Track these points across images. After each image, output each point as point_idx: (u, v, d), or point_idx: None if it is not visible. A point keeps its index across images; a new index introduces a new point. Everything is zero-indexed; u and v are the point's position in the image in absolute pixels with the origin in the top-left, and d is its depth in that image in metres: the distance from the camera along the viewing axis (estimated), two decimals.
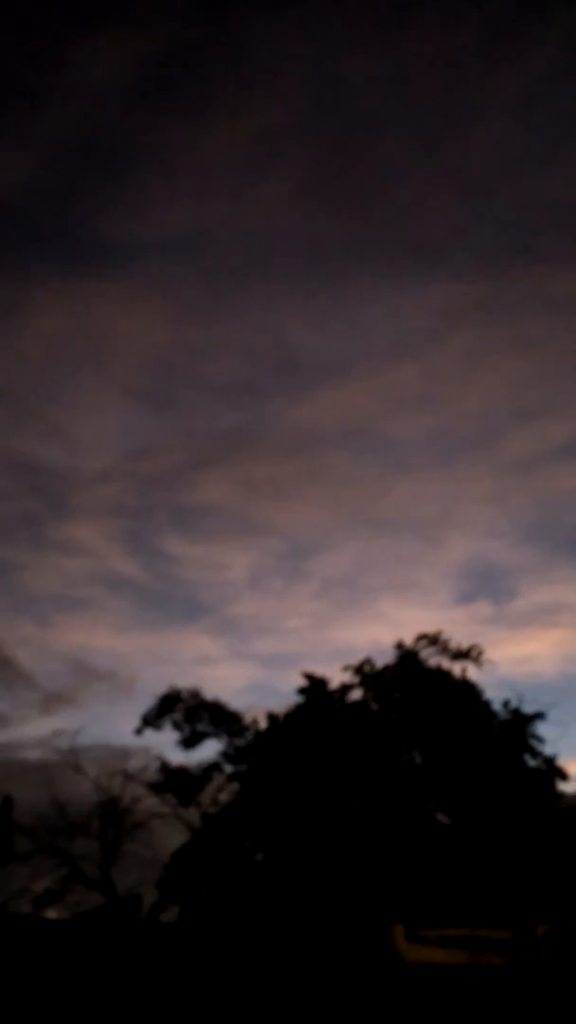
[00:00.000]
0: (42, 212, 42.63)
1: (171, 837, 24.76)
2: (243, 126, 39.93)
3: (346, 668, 24.80)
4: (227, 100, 39.24)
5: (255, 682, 44.86)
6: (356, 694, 24.60)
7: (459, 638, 24.85)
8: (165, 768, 25.19)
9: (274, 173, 41.41)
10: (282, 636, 44.00)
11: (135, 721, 25.29)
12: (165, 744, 25.35)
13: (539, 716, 23.14)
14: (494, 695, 23.96)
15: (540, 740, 23.03)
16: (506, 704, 23.60)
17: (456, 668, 24.28)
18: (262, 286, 45.01)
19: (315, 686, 24.80)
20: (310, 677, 25.00)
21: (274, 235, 43.10)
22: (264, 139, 40.61)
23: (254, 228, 43.58)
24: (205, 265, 44.29)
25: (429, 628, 24.93)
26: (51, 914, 23.88)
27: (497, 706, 23.79)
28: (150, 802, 25.13)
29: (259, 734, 24.78)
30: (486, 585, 48.53)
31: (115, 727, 42.88)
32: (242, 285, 44.91)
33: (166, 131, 40.52)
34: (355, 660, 24.86)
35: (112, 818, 24.08)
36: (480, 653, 24.25)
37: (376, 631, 56.85)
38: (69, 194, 42.63)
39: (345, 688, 24.70)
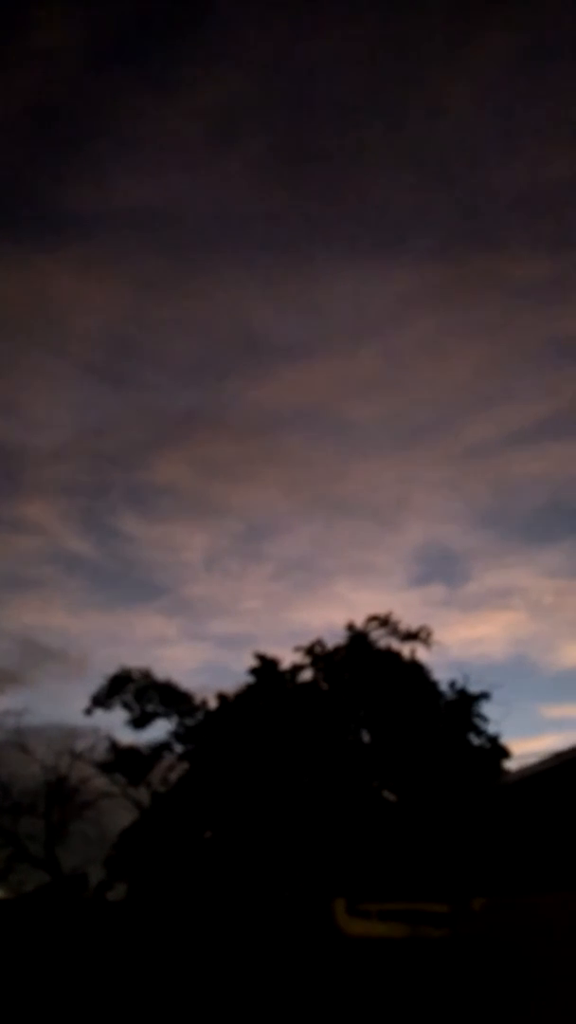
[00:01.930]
0: None
1: (120, 816, 24.80)
2: (206, 99, 39.16)
3: (297, 649, 24.98)
4: (190, 72, 38.42)
5: (209, 663, 44.82)
6: (307, 675, 24.81)
7: (413, 620, 25.23)
8: (115, 748, 25.14)
9: (236, 149, 40.79)
10: (237, 617, 43.97)
11: (86, 701, 25.16)
12: (115, 724, 25.29)
13: (484, 696, 23.63)
14: (445, 676, 24.40)
15: (485, 719, 23.55)
16: (452, 684, 24.04)
17: (405, 649, 24.64)
18: (223, 264, 44.42)
19: (266, 667, 24.91)
20: (261, 658, 25.10)
21: (236, 212, 42.52)
22: (227, 114, 39.93)
23: (215, 204, 42.95)
24: (165, 240, 43.48)
25: (383, 610, 25.19)
26: None
27: (444, 687, 24.25)
28: (99, 782, 25.15)
29: (209, 714, 24.83)
30: (440, 568, 49.12)
31: (66, 707, 42.53)
32: (202, 262, 44.24)
33: (127, 101, 39.56)
34: (309, 642, 25.07)
35: (59, 797, 23.99)
36: (429, 634, 24.64)
37: (331, 613, 57.23)
38: (24, 162, 41.40)
39: (296, 669, 24.86)
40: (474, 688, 23.87)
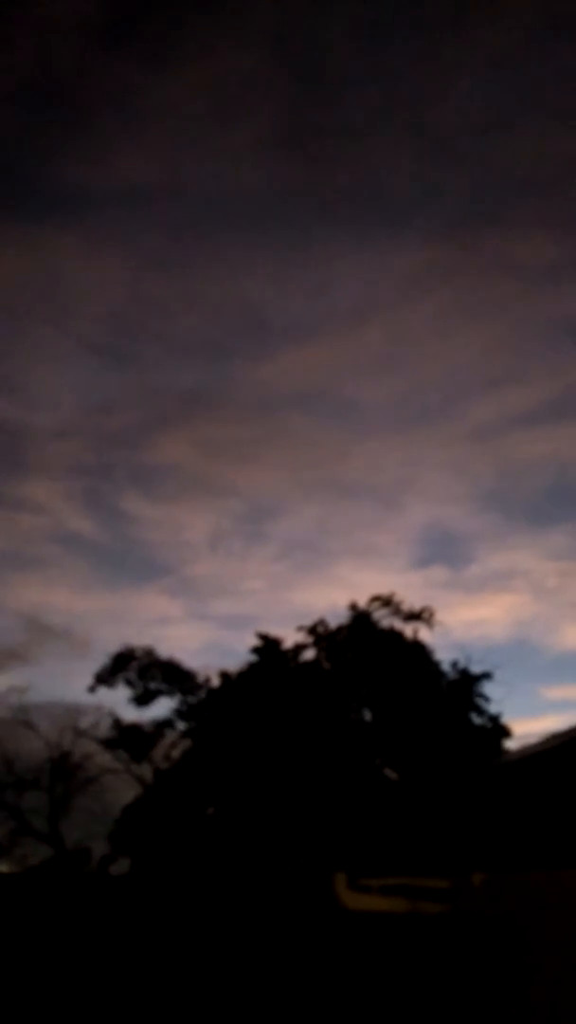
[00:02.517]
0: None
1: (123, 793, 25.04)
2: (211, 75, 38.58)
3: (300, 628, 25.09)
4: (195, 47, 37.85)
5: (212, 643, 44.98)
6: (309, 654, 24.92)
7: (416, 602, 25.27)
8: (118, 725, 25.36)
9: (241, 125, 40.24)
10: (240, 597, 44.05)
11: (89, 679, 25.34)
12: (118, 702, 25.50)
13: (486, 676, 23.75)
14: (447, 657, 24.53)
15: (486, 699, 23.70)
16: (455, 664, 24.14)
17: (408, 629, 24.74)
18: (227, 242, 44.03)
19: (269, 646, 25.01)
20: (264, 637, 25.20)
21: (241, 190, 42.03)
22: (232, 90, 39.37)
23: (220, 181, 42.47)
24: (168, 217, 43.09)
25: (386, 591, 25.27)
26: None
27: (447, 667, 24.35)
28: (102, 758, 25.36)
29: (212, 692, 24.99)
30: (443, 550, 49.08)
31: (69, 685, 42.75)
32: (207, 240, 43.82)
33: (130, 75, 38.96)
34: (311, 622, 25.16)
35: (62, 773, 24.21)
36: (432, 615, 24.71)
37: (334, 594, 57.30)
38: (27, 138, 40.89)
39: (298, 648, 24.97)
40: (476, 669, 24.02)
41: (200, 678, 25.43)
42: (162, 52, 38.21)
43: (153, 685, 25.37)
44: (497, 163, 41.25)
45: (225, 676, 25.05)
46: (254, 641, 25.16)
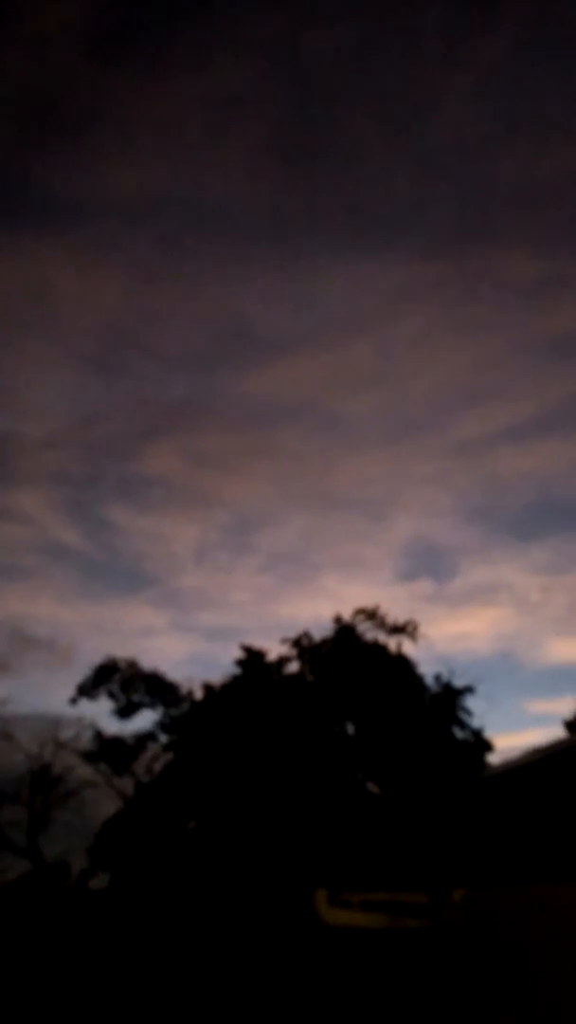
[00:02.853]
0: None
1: (103, 806, 24.82)
2: (202, 89, 38.86)
3: (284, 641, 25.05)
4: (188, 62, 38.12)
5: (197, 655, 44.79)
6: (293, 666, 24.88)
7: (400, 615, 25.33)
8: (100, 737, 25.15)
9: (232, 140, 40.50)
10: (226, 609, 43.87)
11: (72, 691, 25.14)
12: (100, 714, 25.31)
13: (468, 690, 23.80)
14: (431, 671, 24.55)
15: (469, 713, 23.74)
16: (438, 678, 24.17)
17: (392, 643, 24.76)
18: (217, 255, 44.17)
19: (252, 658, 24.95)
20: (248, 649, 25.13)
21: (230, 203, 42.25)
22: (224, 104, 39.61)
23: (210, 195, 42.65)
24: (159, 230, 43.17)
25: (370, 604, 25.30)
26: None
27: (430, 680, 24.38)
28: (83, 771, 25.16)
29: (195, 704, 24.86)
30: (428, 564, 49.17)
31: (51, 696, 42.47)
32: (196, 253, 43.94)
33: (122, 88, 39.15)
34: (296, 634, 25.13)
35: (42, 786, 23.98)
36: (415, 628, 24.75)
37: (319, 606, 57.20)
38: (17, 149, 40.99)
39: (282, 660, 24.92)
40: (459, 682, 24.06)
41: (183, 690, 25.33)
42: (155, 66, 38.49)
43: (136, 697, 25.21)
44: (485, 179, 41.70)
45: (208, 688, 24.95)
46: (238, 653, 25.11)
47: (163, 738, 24.93)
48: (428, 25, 37.18)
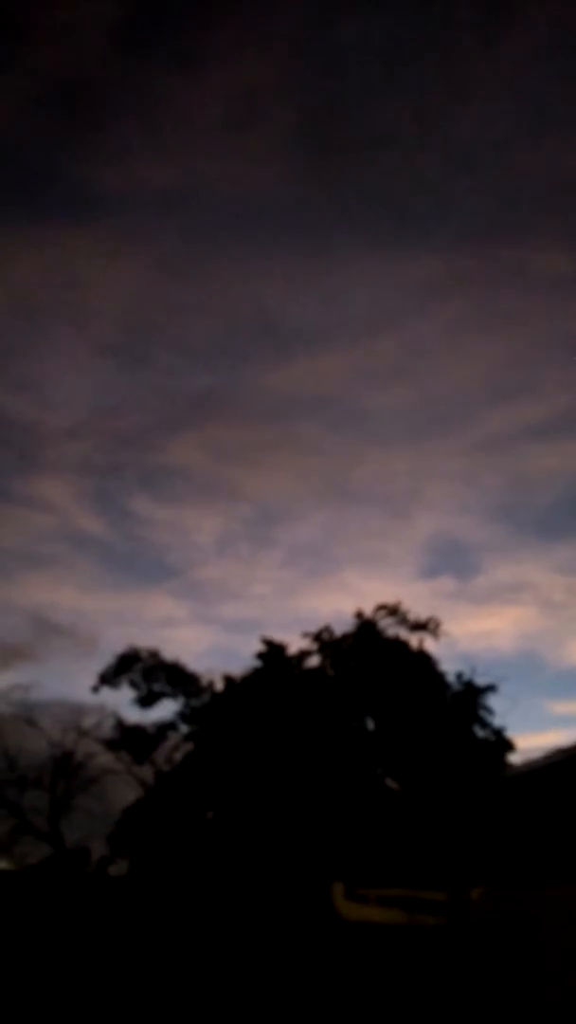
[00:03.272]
0: (18, 157, 41.26)
1: (124, 793, 25.06)
2: (231, 82, 38.84)
3: (305, 635, 25.03)
4: (216, 55, 38.10)
5: (217, 646, 45.03)
6: (314, 661, 24.86)
7: (422, 612, 25.17)
8: (121, 726, 25.36)
9: (261, 132, 40.46)
10: (246, 602, 44.05)
11: (94, 679, 25.36)
12: (122, 702, 25.50)
13: (490, 688, 23.61)
14: (453, 669, 24.38)
15: (490, 712, 23.54)
16: (459, 676, 24.02)
17: (413, 639, 24.63)
18: (243, 247, 44.22)
19: (273, 651, 24.97)
20: (269, 643, 25.16)
21: (257, 196, 42.23)
22: (252, 97, 39.58)
23: (238, 187, 42.65)
24: (185, 222, 43.30)
25: (392, 600, 25.18)
26: None
27: (451, 678, 24.24)
28: (104, 759, 25.40)
29: (215, 696, 24.96)
30: (451, 561, 48.93)
31: (74, 684, 42.89)
32: (223, 246, 44.03)
33: (151, 82, 39.28)
34: (317, 628, 25.10)
35: (64, 772, 24.24)
36: (438, 625, 24.59)
37: (340, 601, 57.29)
38: (48, 140, 41.26)
39: (303, 654, 24.92)
40: (481, 681, 23.87)
41: (204, 681, 25.43)
42: (183, 59, 38.51)
43: (157, 687, 25.36)
44: (513, 175, 41.29)
45: (229, 680, 25.03)
46: (259, 646, 25.15)
47: (183, 728, 25.08)
48: (459, 19, 36.78)
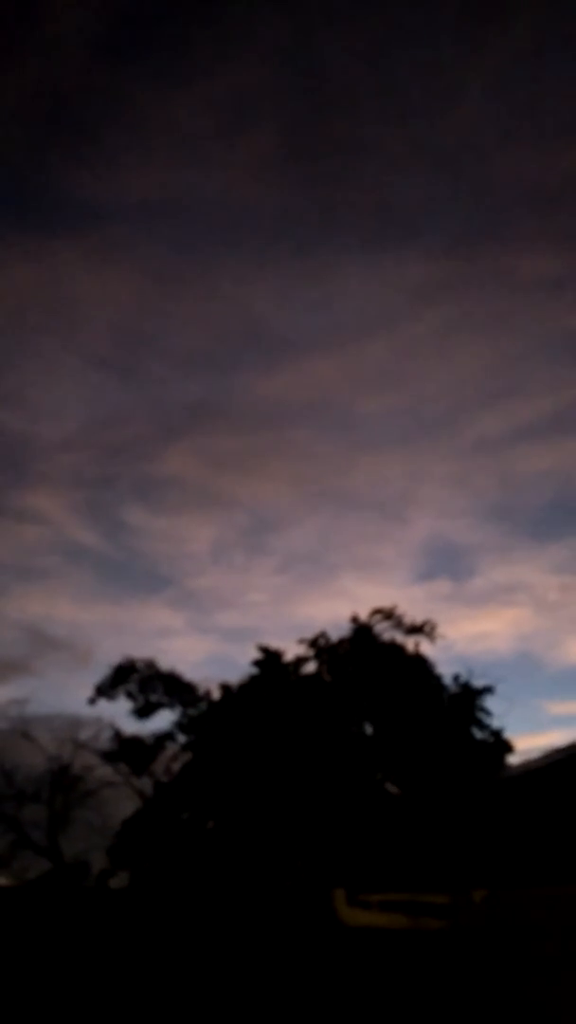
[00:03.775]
0: (5, 169, 41.33)
1: (123, 806, 24.93)
2: (216, 91, 38.97)
3: (301, 641, 24.99)
4: (201, 63, 38.26)
5: (214, 655, 44.88)
6: (310, 667, 24.81)
7: (418, 615, 25.11)
8: (118, 737, 25.27)
9: (246, 140, 40.57)
10: (243, 610, 43.99)
11: (90, 691, 25.26)
12: (119, 714, 25.40)
13: (488, 690, 23.61)
14: (449, 671, 24.37)
15: (488, 713, 23.52)
16: (456, 678, 24.02)
17: (410, 643, 24.59)
18: (231, 256, 44.31)
19: (269, 658, 24.93)
20: (265, 650, 25.12)
21: (245, 204, 42.36)
22: (238, 105, 39.71)
23: (224, 196, 42.78)
24: (173, 232, 43.39)
25: (388, 604, 25.15)
26: None
27: (448, 680, 24.23)
28: (102, 771, 25.31)
29: (212, 705, 24.89)
30: (446, 563, 49.01)
31: (70, 697, 42.77)
32: (211, 254, 44.09)
33: (137, 91, 39.40)
34: (313, 634, 25.08)
35: (62, 785, 24.14)
36: (433, 628, 24.59)
37: (337, 607, 57.24)
38: (35, 151, 41.31)
39: (299, 661, 24.87)
40: (478, 683, 23.88)
41: (201, 691, 25.37)
42: (169, 68, 38.65)
43: (154, 697, 25.28)
44: (502, 177, 41.50)
45: (226, 689, 24.97)
46: (255, 654, 25.10)
47: (181, 738, 24.99)
48: (443, 25, 37.07)
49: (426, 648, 24.51)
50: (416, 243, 43.84)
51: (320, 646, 24.84)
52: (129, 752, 24.95)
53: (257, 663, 24.93)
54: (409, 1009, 12.60)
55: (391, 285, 44.27)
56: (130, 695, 25.27)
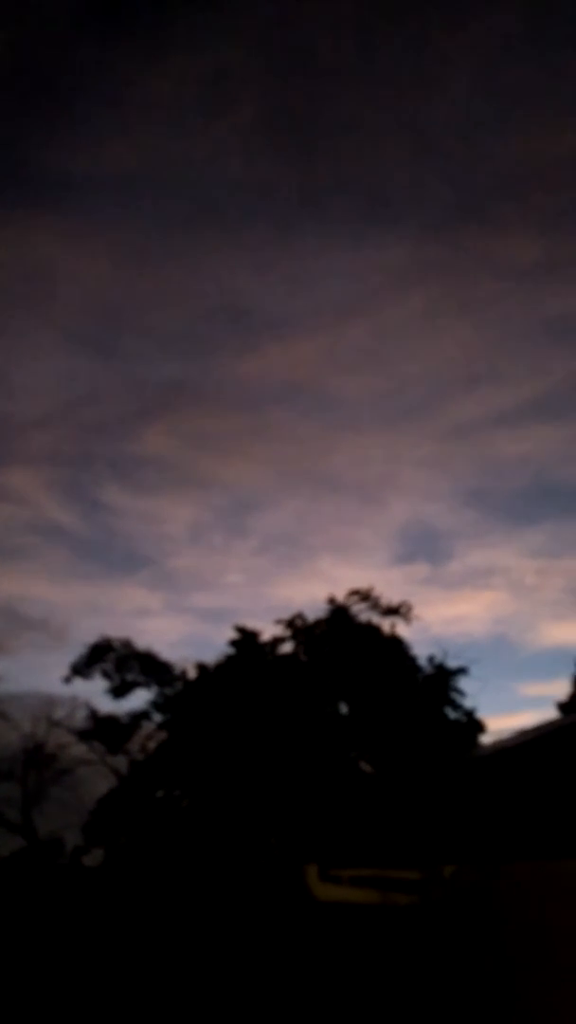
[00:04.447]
0: None
1: (98, 784, 25.00)
2: (198, 65, 38.28)
3: (278, 622, 25.10)
4: (182, 37, 37.57)
5: (191, 635, 44.91)
6: (287, 647, 24.96)
7: (395, 597, 25.33)
8: (94, 716, 25.29)
9: (227, 116, 39.92)
10: (220, 591, 43.96)
11: (66, 670, 25.22)
12: (95, 693, 25.40)
13: (461, 671, 23.90)
14: (425, 653, 24.65)
15: (462, 694, 23.86)
16: (431, 659, 24.28)
17: (386, 624, 24.84)
18: (211, 234, 43.76)
19: (246, 638, 25.01)
20: (241, 630, 25.19)
21: (225, 182, 41.79)
22: (219, 80, 39.04)
23: (205, 174, 42.18)
24: (152, 207, 42.69)
25: (365, 586, 25.33)
26: None
27: (423, 662, 24.49)
28: (77, 749, 25.31)
29: (188, 684, 24.96)
30: (423, 547, 49.20)
31: (45, 676, 42.56)
32: (190, 232, 43.52)
33: (116, 65, 38.63)
34: (290, 615, 25.18)
35: (36, 763, 24.12)
36: (409, 609, 24.82)
37: (314, 589, 57.39)
38: (9, 123, 40.44)
39: (276, 641, 24.99)
40: (452, 664, 24.17)
41: (177, 670, 25.43)
42: (148, 42, 37.90)
43: (130, 677, 25.30)
44: (485, 161, 41.28)
45: (202, 668, 25.04)
46: (232, 634, 25.17)
47: (157, 717, 25.07)
48: (429, 4, 36.68)
49: (402, 630, 24.78)
50: (398, 225, 43.54)
51: (297, 626, 24.96)
52: (104, 731, 24.99)
53: (233, 643, 25.01)
54: (380, 982, 12.80)
55: (373, 267, 44.00)
56: (106, 674, 25.29)
